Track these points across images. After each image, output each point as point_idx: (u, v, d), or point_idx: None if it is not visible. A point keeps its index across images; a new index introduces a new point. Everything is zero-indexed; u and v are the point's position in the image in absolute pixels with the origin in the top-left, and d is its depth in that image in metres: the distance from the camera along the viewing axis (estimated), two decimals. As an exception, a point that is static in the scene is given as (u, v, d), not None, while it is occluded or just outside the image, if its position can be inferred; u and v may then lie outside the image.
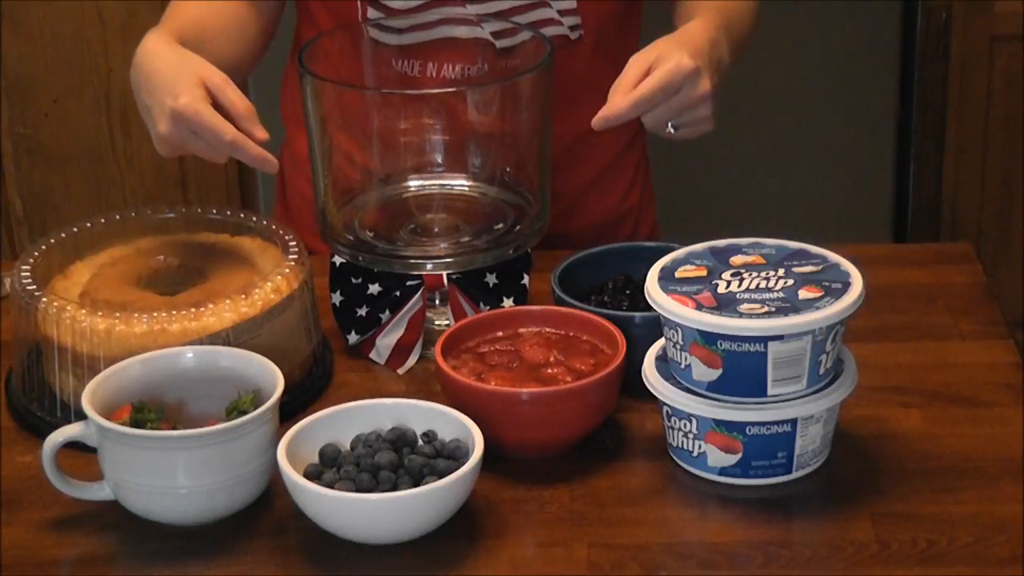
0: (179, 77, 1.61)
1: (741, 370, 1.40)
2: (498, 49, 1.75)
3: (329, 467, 1.39)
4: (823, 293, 1.42)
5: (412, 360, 1.64)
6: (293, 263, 1.60)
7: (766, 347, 1.39)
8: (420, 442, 1.42)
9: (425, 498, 1.34)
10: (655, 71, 1.61)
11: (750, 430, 1.42)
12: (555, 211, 1.71)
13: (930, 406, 1.55)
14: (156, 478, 1.38)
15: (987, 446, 1.49)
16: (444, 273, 1.63)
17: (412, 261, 1.62)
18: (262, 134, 1.59)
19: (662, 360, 1.48)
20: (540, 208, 1.67)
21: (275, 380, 1.43)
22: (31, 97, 3.12)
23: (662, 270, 1.47)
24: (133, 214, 1.70)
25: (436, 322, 1.66)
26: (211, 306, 1.53)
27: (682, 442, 1.45)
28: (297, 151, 1.89)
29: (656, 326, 1.47)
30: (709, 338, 1.40)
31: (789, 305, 1.40)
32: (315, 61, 1.66)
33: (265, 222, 1.68)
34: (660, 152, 2.10)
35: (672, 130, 1.66)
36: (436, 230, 1.67)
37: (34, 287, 1.57)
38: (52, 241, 1.65)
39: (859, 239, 3.16)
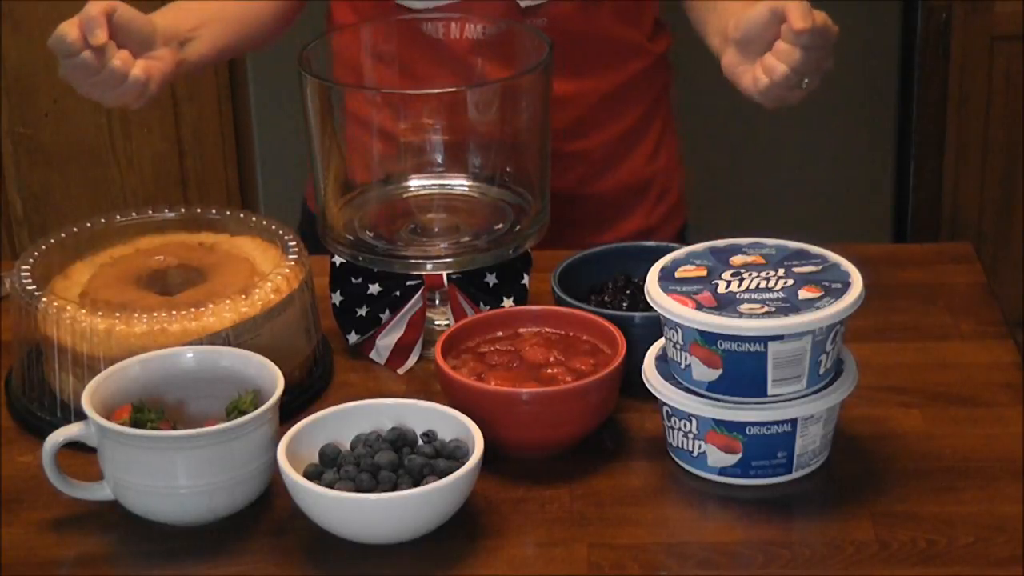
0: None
1: (741, 370, 1.40)
2: (523, 8, 1.75)
3: (329, 467, 1.39)
4: (823, 293, 1.42)
5: (412, 360, 1.64)
6: (293, 263, 1.60)
7: (766, 347, 1.39)
8: (420, 442, 1.42)
9: (425, 498, 1.34)
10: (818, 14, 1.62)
11: (750, 430, 1.42)
12: (584, 173, 1.70)
13: (930, 406, 1.55)
14: (156, 478, 1.38)
15: (987, 446, 1.49)
16: (444, 273, 1.63)
17: (412, 261, 1.62)
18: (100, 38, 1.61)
19: (662, 360, 1.48)
20: (540, 208, 1.67)
21: (275, 380, 1.43)
22: (31, 97, 3.12)
23: (662, 270, 1.47)
24: (133, 214, 1.70)
25: (436, 322, 1.66)
26: (211, 306, 1.53)
27: (682, 442, 1.45)
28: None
29: (656, 326, 1.47)
30: (709, 338, 1.40)
31: (789, 305, 1.40)
32: (340, 34, 1.66)
33: (265, 222, 1.68)
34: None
35: (804, 85, 1.66)
36: (436, 230, 1.67)
37: (34, 287, 1.57)
38: (52, 241, 1.65)
39: (859, 239, 3.16)
